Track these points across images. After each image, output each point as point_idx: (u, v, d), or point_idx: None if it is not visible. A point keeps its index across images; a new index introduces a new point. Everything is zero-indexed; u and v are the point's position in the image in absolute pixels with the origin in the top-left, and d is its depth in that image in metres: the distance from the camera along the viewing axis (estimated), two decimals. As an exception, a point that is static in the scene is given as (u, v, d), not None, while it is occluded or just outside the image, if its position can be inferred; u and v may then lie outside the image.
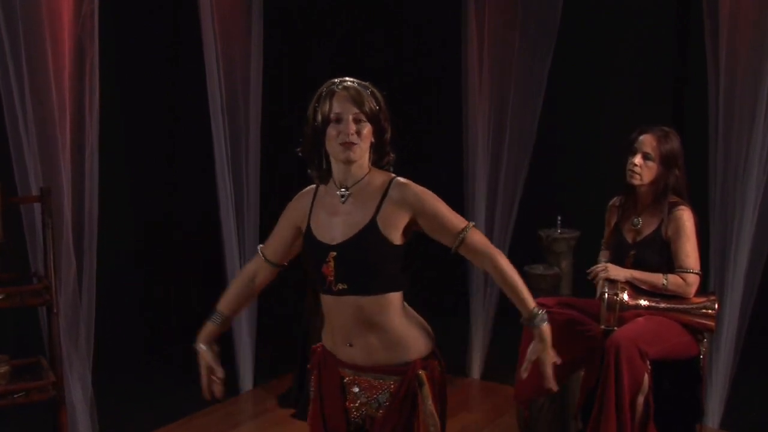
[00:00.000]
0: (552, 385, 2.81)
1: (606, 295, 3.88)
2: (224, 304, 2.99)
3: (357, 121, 2.64)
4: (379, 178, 2.73)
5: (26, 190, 4.15)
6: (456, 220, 2.71)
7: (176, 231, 5.98)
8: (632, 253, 4.01)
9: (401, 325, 2.73)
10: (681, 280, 3.87)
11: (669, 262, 3.93)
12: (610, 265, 3.97)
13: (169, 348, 5.94)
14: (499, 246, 5.33)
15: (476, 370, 5.66)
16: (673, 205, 3.94)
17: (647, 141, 3.96)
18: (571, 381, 4.47)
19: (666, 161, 3.94)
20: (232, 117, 5.16)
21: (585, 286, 4.23)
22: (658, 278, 3.89)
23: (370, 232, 2.65)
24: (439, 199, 2.73)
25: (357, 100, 2.64)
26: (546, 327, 2.74)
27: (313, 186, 2.83)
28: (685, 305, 3.90)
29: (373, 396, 2.75)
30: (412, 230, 2.73)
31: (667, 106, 5.76)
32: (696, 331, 3.92)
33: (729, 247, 4.59)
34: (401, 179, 2.74)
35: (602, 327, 3.91)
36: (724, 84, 4.58)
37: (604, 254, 4.20)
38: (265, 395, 5.34)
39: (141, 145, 5.72)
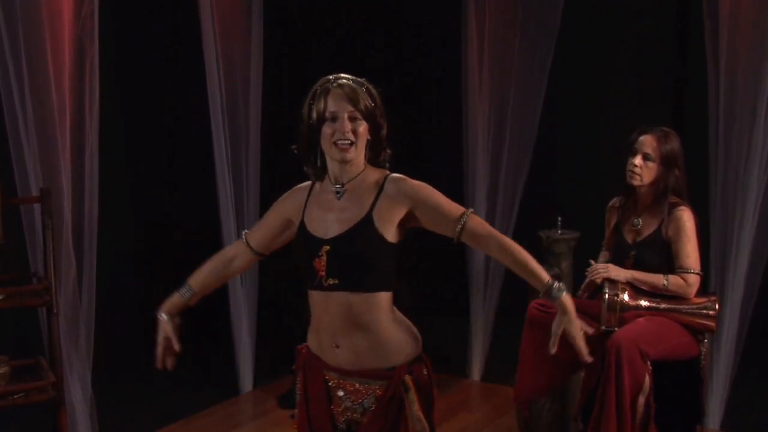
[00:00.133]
0: (586, 357, 2.74)
1: (606, 295, 3.88)
2: (195, 279, 2.97)
3: (352, 119, 2.62)
4: (375, 174, 2.71)
5: (26, 191, 4.15)
6: (454, 208, 2.67)
7: (176, 231, 5.98)
8: (632, 253, 4.01)
9: (389, 326, 2.68)
10: (682, 280, 3.87)
11: (669, 263, 3.93)
12: (611, 266, 3.97)
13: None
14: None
15: (476, 371, 5.66)
16: (674, 206, 3.94)
17: (647, 141, 3.96)
18: (571, 382, 4.47)
19: (666, 162, 3.94)
20: (232, 117, 5.16)
21: (585, 286, 4.23)
22: (658, 279, 3.89)
23: (365, 227, 2.63)
24: (436, 190, 2.70)
25: (352, 98, 2.62)
26: (566, 297, 2.64)
27: (309, 182, 2.81)
28: (685, 306, 3.89)
29: (358, 401, 2.71)
30: (407, 227, 2.70)
31: (667, 107, 5.76)
32: (697, 332, 3.92)
33: (729, 248, 4.59)
34: (396, 175, 2.72)
35: (603, 327, 3.90)
36: (725, 84, 4.58)
37: (603, 255, 4.20)
38: (265, 396, 5.34)
39: (141, 145, 5.72)
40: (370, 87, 2.69)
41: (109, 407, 4.71)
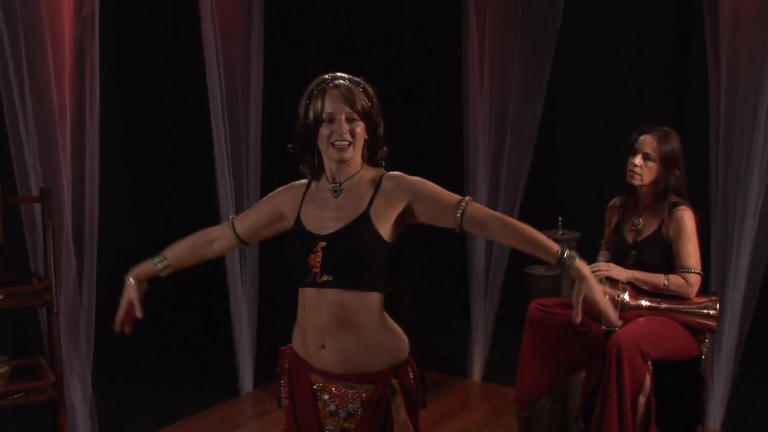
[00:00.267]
0: (615, 320, 2.67)
1: (607, 295, 3.87)
2: (172, 252, 2.96)
3: (350, 120, 2.61)
4: (371, 173, 2.70)
5: (26, 191, 4.14)
6: (453, 197, 2.64)
7: (176, 231, 5.93)
8: (633, 253, 4.01)
9: (378, 328, 2.65)
10: (682, 280, 3.87)
11: (670, 263, 3.93)
12: (612, 265, 3.97)
13: (169, 349, 5.95)
14: (500, 248, 5.43)
15: (477, 372, 5.65)
16: (674, 206, 3.94)
17: (647, 141, 3.96)
18: (571, 382, 4.46)
19: (666, 161, 3.94)
20: (232, 117, 5.15)
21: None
22: (659, 278, 3.89)
23: (362, 224, 2.61)
24: (433, 183, 2.68)
25: (349, 99, 2.61)
26: (580, 263, 2.53)
27: (305, 180, 2.79)
28: (686, 306, 3.89)
29: (343, 405, 2.67)
30: (405, 225, 2.68)
31: (667, 106, 5.75)
32: (697, 332, 3.92)
33: (730, 248, 4.58)
34: (393, 172, 2.71)
35: (604, 327, 3.90)
36: (725, 83, 4.57)
37: (603, 254, 4.19)
38: (266, 397, 5.33)
39: (141, 145, 5.72)
40: (367, 86, 2.68)
41: (109, 407, 4.71)
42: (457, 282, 6.00)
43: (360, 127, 2.63)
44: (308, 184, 2.77)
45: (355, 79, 2.68)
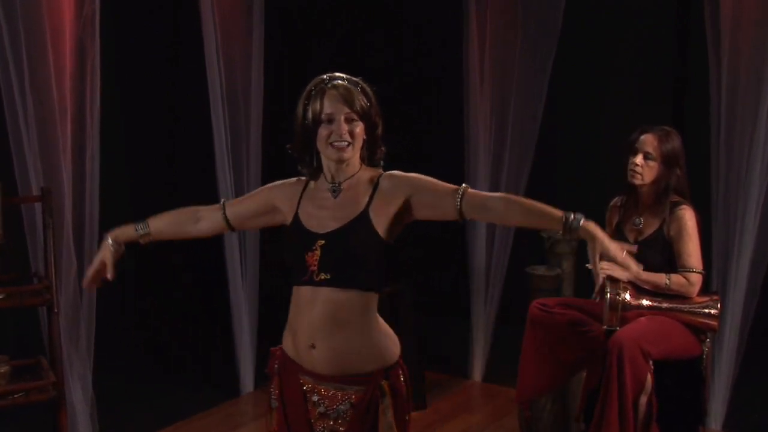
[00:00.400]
0: (636, 270, 2.58)
1: (608, 294, 3.87)
2: (156, 222, 2.93)
3: (349, 120, 2.60)
4: (370, 173, 2.69)
5: (27, 190, 4.14)
6: (450, 185, 2.62)
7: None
8: (634, 253, 4.00)
9: (371, 329, 2.64)
10: (684, 279, 3.86)
11: (671, 262, 3.93)
12: (613, 264, 3.95)
13: (170, 349, 5.94)
14: (501, 247, 5.44)
15: (477, 373, 5.65)
16: (675, 205, 3.94)
17: (648, 141, 3.95)
18: (572, 382, 4.46)
19: (667, 161, 3.93)
20: (232, 117, 5.15)
21: (587, 287, 4.22)
22: (660, 278, 3.88)
23: (361, 223, 2.61)
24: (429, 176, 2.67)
25: (348, 100, 2.60)
26: (586, 224, 2.46)
27: (304, 179, 2.78)
28: (687, 305, 3.89)
29: (332, 406, 2.65)
30: (404, 223, 2.67)
31: (668, 106, 5.75)
32: (699, 331, 3.91)
33: (731, 247, 4.58)
34: (390, 172, 2.70)
35: (604, 327, 3.90)
36: (726, 83, 4.57)
37: (605, 252, 4.19)
38: (266, 397, 5.29)
39: (141, 145, 5.71)
40: (365, 86, 2.67)
41: (109, 407, 4.71)
42: (457, 282, 6.00)
43: (359, 128, 2.62)
44: (306, 183, 2.76)
45: (354, 79, 2.68)
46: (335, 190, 2.67)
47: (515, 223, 2.66)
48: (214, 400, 5.26)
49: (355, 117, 2.61)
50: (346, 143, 2.60)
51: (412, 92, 6.67)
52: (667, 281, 3.87)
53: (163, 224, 2.94)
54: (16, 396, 3.91)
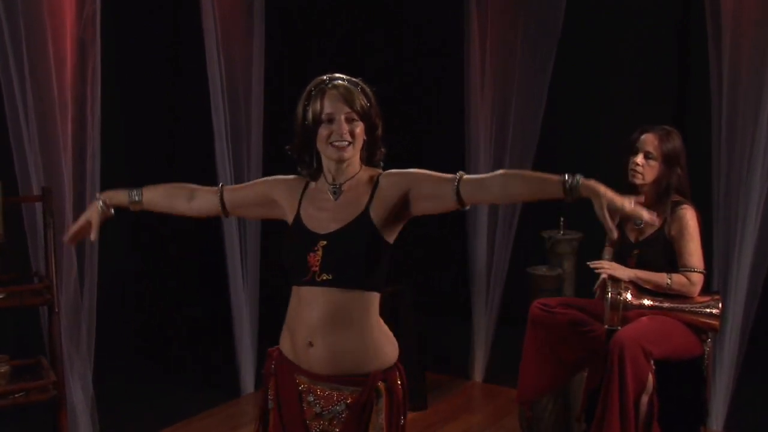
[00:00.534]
0: (647, 216, 2.47)
1: (609, 294, 3.87)
2: (149, 192, 2.92)
3: (349, 120, 2.59)
4: (369, 173, 2.69)
5: (27, 190, 4.14)
6: (447, 174, 2.59)
7: (177, 231, 5.96)
8: (635, 252, 4.00)
9: (371, 330, 2.63)
10: (685, 279, 3.86)
11: (672, 262, 3.92)
12: (615, 264, 3.96)
13: (171, 349, 5.93)
14: (502, 247, 5.43)
15: (478, 373, 5.64)
16: (676, 204, 3.93)
17: (649, 140, 3.95)
18: (573, 382, 4.46)
19: (668, 160, 3.93)
20: (233, 117, 5.15)
21: (588, 287, 4.22)
22: (662, 277, 3.88)
23: (363, 223, 2.60)
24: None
25: (348, 99, 2.59)
26: (586, 182, 2.38)
27: (305, 179, 2.77)
28: (688, 305, 3.89)
29: (327, 407, 2.63)
30: (404, 220, 2.65)
31: (668, 105, 5.75)
32: (700, 331, 3.91)
33: (733, 247, 4.58)
34: (389, 171, 2.69)
35: (606, 327, 3.90)
36: (727, 83, 4.57)
37: (608, 250, 4.20)
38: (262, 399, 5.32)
39: (141, 145, 5.70)
40: (365, 87, 2.67)
41: (110, 407, 4.70)
42: (458, 282, 6.00)
43: (359, 128, 2.61)
44: (307, 183, 2.75)
45: (354, 79, 2.67)
46: (336, 192, 2.66)
47: (517, 196, 2.59)
48: (215, 401, 5.26)
49: (356, 117, 2.60)
50: (346, 143, 2.59)
51: (412, 92, 6.67)
52: (669, 281, 3.87)
53: (156, 195, 2.93)
54: (16, 396, 3.90)
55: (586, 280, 4.13)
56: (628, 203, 2.37)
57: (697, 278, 3.87)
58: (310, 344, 2.61)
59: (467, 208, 2.58)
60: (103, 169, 4.47)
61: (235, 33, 5.14)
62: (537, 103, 5.28)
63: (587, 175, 2.39)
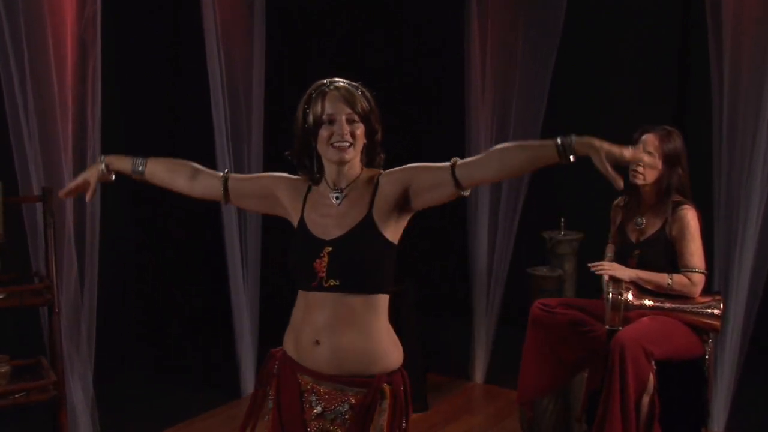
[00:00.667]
0: (646, 159, 2.35)
1: (611, 294, 3.87)
2: (153, 164, 2.91)
3: (350, 121, 2.59)
4: (369, 174, 2.68)
5: (27, 190, 4.13)
6: (441, 163, 2.57)
7: (178, 231, 5.96)
8: (636, 252, 4.00)
9: (380, 332, 2.63)
10: (686, 279, 3.86)
11: (673, 262, 3.92)
12: (616, 265, 3.96)
13: (171, 350, 5.93)
14: (502, 248, 5.42)
15: (479, 374, 5.64)
16: (677, 205, 3.93)
17: (650, 140, 3.95)
18: (574, 382, 4.45)
19: (669, 160, 3.93)
20: (233, 117, 5.14)
21: (589, 287, 4.21)
22: (663, 278, 3.88)
23: (367, 227, 2.60)
24: None
25: (349, 100, 2.59)
26: (580, 139, 2.37)
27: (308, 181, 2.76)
28: (690, 305, 3.88)
29: (330, 407, 2.62)
30: (406, 217, 2.65)
31: (669, 106, 5.75)
32: (701, 332, 3.91)
33: (734, 247, 4.57)
34: (388, 170, 2.68)
35: (607, 327, 3.89)
36: (728, 82, 4.56)
37: (610, 248, 4.20)
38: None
39: (141, 145, 5.67)
40: (365, 90, 2.66)
41: (110, 408, 4.69)
42: (459, 283, 5.99)
43: (360, 129, 2.61)
44: (310, 186, 2.74)
45: (354, 83, 2.67)
46: (338, 197, 2.65)
47: (516, 168, 2.51)
48: (216, 402, 5.25)
49: (357, 118, 2.60)
50: (347, 143, 2.58)
51: (412, 92, 6.67)
52: (670, 281, 3.87)
53: (159, 168, 2.91)
54: (16, 396, 3.89)
55: (587, 280, 4.13)
56: (626, 151, 2.35)
57: (698, 278, 3.87)
58: (317, 342, 2.61)
59: (466, 193, 2.56)
60: (104, 169, 4.45)
61: (236, 33, 5.14)
62: (537, 104, 5.27)
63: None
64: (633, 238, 4.04)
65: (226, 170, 2.88)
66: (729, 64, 4.56)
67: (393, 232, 2.63)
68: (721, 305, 3.90)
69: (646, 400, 3.74)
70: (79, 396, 4.34)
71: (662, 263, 3.92)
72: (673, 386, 3.88)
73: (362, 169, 2.69)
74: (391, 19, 6.74)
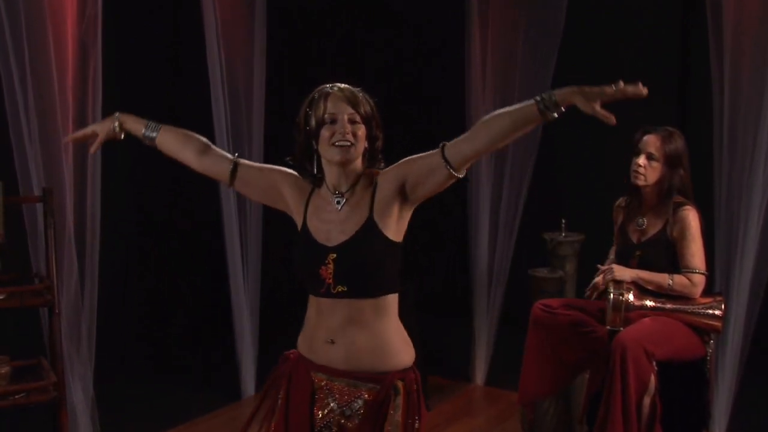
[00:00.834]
0: (630, 91, 2.37)
1: (612, 295, 3.86)
2: (167, 131, 2.90)
3: (352, 121, 2.59)
4: (368, 178, 2.68)
5: (28, 190, 4.13)
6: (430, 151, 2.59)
7: (178, 232, 5.95)
8: (637, 253, 3.99)
9: (391, 331, 2.66)
10: (687, 280, 3.85)
11: (674, 263, 3.92)
12: (616, 266, 3.95)
13: (172, 351, 5.92)
14: (503, 249, 5.42)
15: (480, 376, 5.63)
16: (678, 206, 3.93)
17: (651, 141, 3.95)
18: (575, 384, 4.44)
19: (670, 161, 3.92)
20: (234, 117, 5.14)
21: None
22: (663, 278, 3.87)
23: (369, 230, 2.60)
24: None
25: (352, 101, 2.59)
26: (559, 92, 2.38)
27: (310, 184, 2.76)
28: (691, 306, 3.88)
29: (344, 402, 2.65)
30: (407, 213, 2.65)
31: (670, 106, 5.74)
32: (702, 332, 3.90)
33: (735, 248, 4.56)
34: (384, 169, 2.68)
35: (608, 328, 3.89)
36: (729, 82, 4.55)
37: (614, 250, 4.19)
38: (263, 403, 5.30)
39: (142, 145, 5.68)
40: (367, 96, 2.67)
41: (110, 408, 4.69)
42: (460, 284, 5.98)
43: (361, 131, 2.61)
44: (312, 189, 2.74)
45: (356, 88, 2.67)
46: (340, 202, 2.65)
47: (504, 135, 2.48)
48: (216, 403, 5.25)
49: (358, 119, 2.60)
50: (349, 143, 2.58)
51: (412, 92, 6.66)
52: (671, 282, 3.86)
53: (171, 137, 2.90)
54: (16, 396, 3.89)
55: (588, 281, 4.12)
56: (608, 88, 2.36)
57: (699, 279, 3.86)
58: (332, 342, 2.64)
59: (461, 174, 2.56)
60: (104, 169, 4.45)
61: (236, 33, 5.14)
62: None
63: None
64: (634, 238, 4.03)
65: (237, 154, 2.87)
66: (729, 64, 4.55)
67: (396, 230, 2.64)
68: (723, 306, 3.90)
69: (647, 401, 3.74)
70: (79, 396, 4.34)
71: (663, 264, 3.92)
72: (674, 387, 3.87)
73: (363, 170, 2.69)
74: (391, 19, 6.73)
